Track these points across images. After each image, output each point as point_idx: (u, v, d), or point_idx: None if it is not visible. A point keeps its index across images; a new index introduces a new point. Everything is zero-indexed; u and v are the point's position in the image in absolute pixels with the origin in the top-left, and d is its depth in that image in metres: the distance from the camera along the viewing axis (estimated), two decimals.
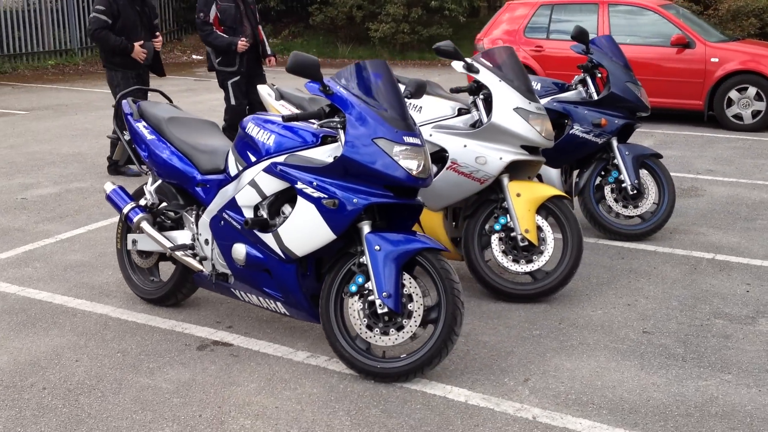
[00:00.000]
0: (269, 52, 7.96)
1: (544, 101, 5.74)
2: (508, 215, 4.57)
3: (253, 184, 3.82)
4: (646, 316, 4.42)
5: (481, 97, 4.64)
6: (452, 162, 4.57)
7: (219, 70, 7.68)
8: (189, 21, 21.55)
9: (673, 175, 6.42)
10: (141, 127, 4.44)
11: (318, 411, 3.40)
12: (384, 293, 3.52)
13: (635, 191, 5.68)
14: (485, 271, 4.62)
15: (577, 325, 4.31)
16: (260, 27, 7.92)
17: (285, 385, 3.62)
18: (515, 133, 4.50)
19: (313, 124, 3.77)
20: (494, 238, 4.62)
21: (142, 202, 4.48)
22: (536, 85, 5.85)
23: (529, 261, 4.59)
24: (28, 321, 4.34)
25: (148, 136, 4.39)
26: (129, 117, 4.51)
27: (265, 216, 3.82)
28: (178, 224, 4.38)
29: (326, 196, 3.57)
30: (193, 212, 4.25)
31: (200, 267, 4.17)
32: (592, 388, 3.61)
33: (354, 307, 3.65)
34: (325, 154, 3.63)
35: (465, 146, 4.55)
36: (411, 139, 3.58)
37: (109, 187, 4.52)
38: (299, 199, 3.65)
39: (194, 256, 4.20)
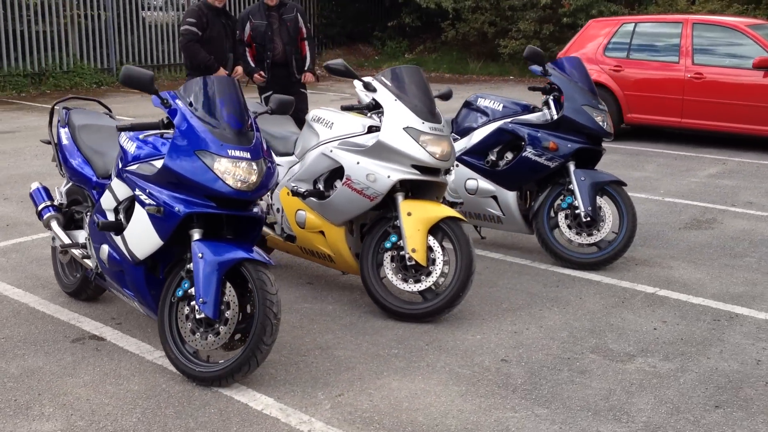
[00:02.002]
0: (306, 68, 7.85)
1: (497, 123, 5.70)
2: (399, 234, 4.60)
3: (110, 189, 4.11)
4: (520, 345, 4.32)
5: (379, 115, 4.70)
6: (347, 178, 4.65)
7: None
8: (329, 37, 22.37)
9: (701, 205, 6.11)
10: (62, 132, 4.83)
11: (120, 406, 3.61)
12: (201, 299, 3.68)
13: (588, 218, 5.50)
14: (376, 288, 4.66)
15: (442, 347, 4.28)
16: (305, 43, 7.85)
17: (115, 381, 3.85)
18: (401, 152, 4.53)
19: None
20: (386, 256, 4.66)
21: (57, 202, 4.86)
22: (498, 106, 5.81)
23: (417, 281, 4.59)
24: None
25: (65, 141, 4.76)
26: (58, 123, 4.91)
27: (120, 219, 4.08)
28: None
29: (154, 203, 3.78)
30: (89, 213, 4.59)
31: (88, 264, 4.49)
32: (394, 409, 3.61)
33: (183, 311, 3.84)
34: (160, 163, 3.85)
35: (358, 163, 4.62)
36: (238, 153, 3.72)
37: (33, 185, 4.93)
38: (136, 205, 3.89)
39: (87, 254, 4.53)
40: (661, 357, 4.20)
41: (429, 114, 4.64)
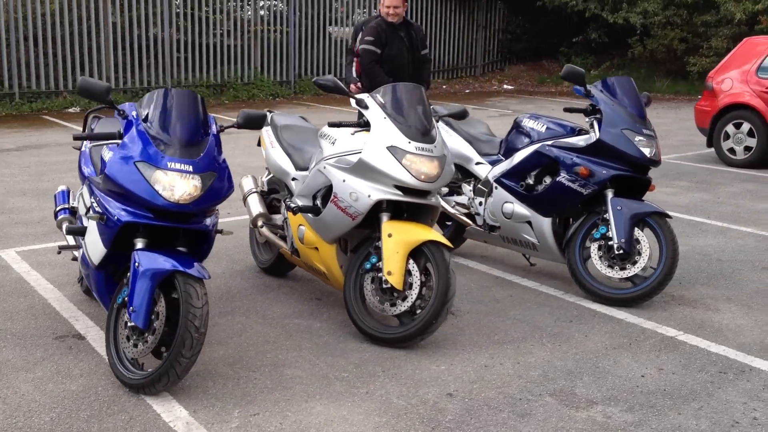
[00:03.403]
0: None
1: (536, 146, 5.42)
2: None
3: (81, 194, 4.33)
4: (480, 380, 4.08)
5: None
6: (334, 195, 4.61)
7: None
8: (513, 52, 22.15)
9: None
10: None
11: (45, 404, 3.75)
12: (132, 308, 3.80)
13: (622, 251, 5.09)
14: (355, 309, 4.58)
15: (396, 375, 4.13)
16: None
17: (60, 380, 3.99)
18: (382, 171, 4.42)
19: None
20: (367, 277, 4.57)
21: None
22: (541, 128, 5.52)
23: (393, 304, 4.46)
24: None
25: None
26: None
27: (84, 225, 4.28)
28: None
29: (100, 211, 3.95)
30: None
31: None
32: (296, 430, 3.54)
33: (123, 318, 3.97)
34: None
35: (344, 181, 4.57)
36: (178, 165, 3.79)
37: (59, 188, 5.27)
38: (91, 212, 4.08)
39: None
40: (624, 408, 3.82)
41: (420, 134, 4.49)
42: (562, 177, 5.26)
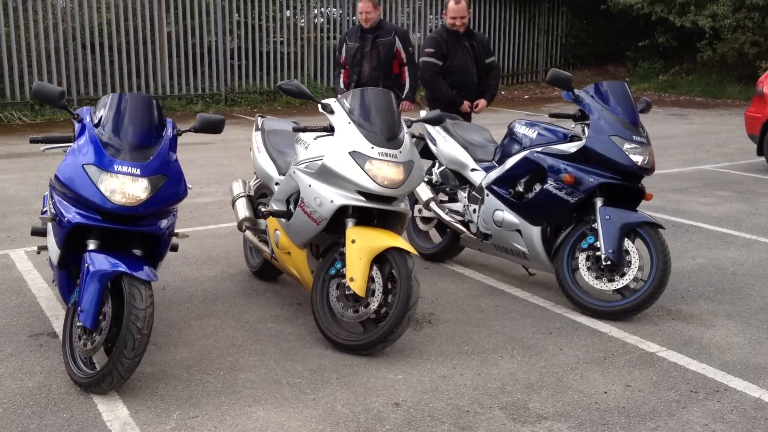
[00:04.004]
0: (404, 96, 7.41)
1: (525, 152, 5.28)
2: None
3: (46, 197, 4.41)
4: (434, 391, 3.98)
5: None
6: (301, 200, 4.57)
7: None
8: (577, 57, 21.74)
9: None
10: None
11: None
12: (80, 308, 3.83)
13: (609, 262, 4.90)
14: (320, 314, 4.52)
15: (349, 383, 4.06)
16: (405, 68, 7.53)
17: (19, 377, 4.05)
18: (343, 176, 4.35)
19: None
20: (333, 283, 4.51)
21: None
22: (532, 133, 5.37)
23: (356, 311, 4.39)
24: None
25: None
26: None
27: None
28: None
29: (54, 213, 4.00)
30: None
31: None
32: None
33: (76, 317, 4.01)
34: None
35: (310, 186, 4.52)
36: (125, 168, 3.82)
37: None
38: (47, 213, 4.15)
39: None
40: (574, 424, 3.67)
41: (385, 139, 4.41)
42: (550, 184, 5.10)
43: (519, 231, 5.33)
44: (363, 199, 4.38)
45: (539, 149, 5.24)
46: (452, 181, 5.99)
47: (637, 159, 4.97)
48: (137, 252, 4.04)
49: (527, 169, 5.29)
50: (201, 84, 16.44)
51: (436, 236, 6.22)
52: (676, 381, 4.13)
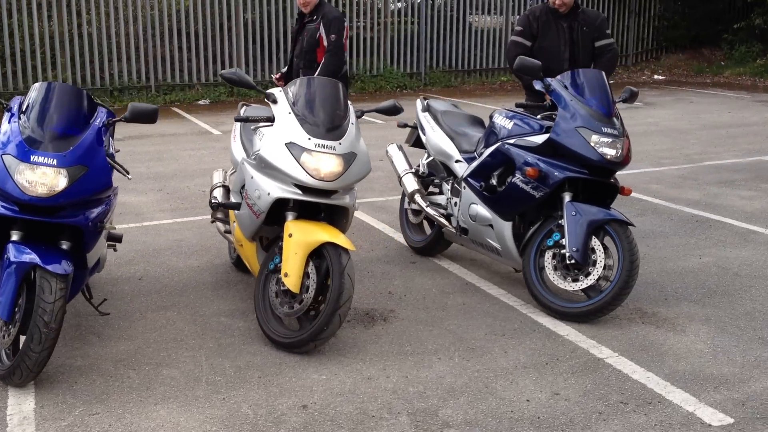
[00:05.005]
0: None
1: (498, 144, 5.05)
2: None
3: None
4: (349, 394, 3.86)
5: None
6: (245, 192, 4.52)
7: None
8: (670, 40, 20.84)
9: None
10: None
11: None
12: None
13: (573, 260, 4.65)
14: (260, 310, 4.46)
15: (267, 383, 3.98)
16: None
17: None
18: (278, 168, 4.26)
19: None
20: (272, 278, 4.44)
21: None
22: (508, 124, 5.14)
23: (291, 307, 4.31)
24: None
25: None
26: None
27: None
28: None
29: None
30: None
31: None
32: None
33: None
34: None
35: (252, 178, 4.46)
36: (41, 158, 3.80)
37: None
38: None
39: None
40: None
41: (324, 130, 4.29)
42: (517, 178, 4.88)
43: (491, 226, 5.11)
44: (299, 192, 4.28)
45: (511, 141, 5.01)
46: (441, 173, 5.81)
47: (607, 152, 4.68)
48: (64, 244, 4.05)
49: (500, 161, 5.07)
50: (278, 70, 16.59)
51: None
52: (610, 390, 3.87)
